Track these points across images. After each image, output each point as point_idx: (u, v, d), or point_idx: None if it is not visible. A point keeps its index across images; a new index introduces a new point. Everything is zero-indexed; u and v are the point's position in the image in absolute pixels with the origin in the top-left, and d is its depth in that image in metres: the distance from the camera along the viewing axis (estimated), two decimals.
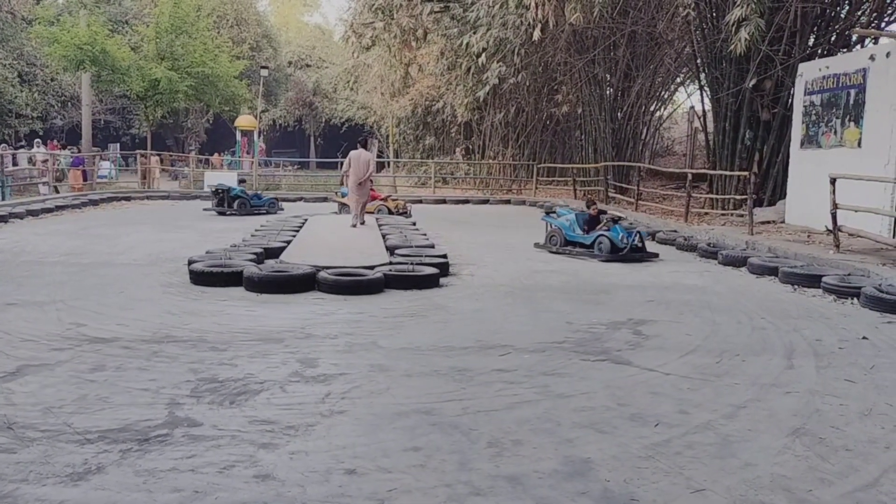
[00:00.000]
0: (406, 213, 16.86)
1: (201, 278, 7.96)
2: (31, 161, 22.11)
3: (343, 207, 17.00)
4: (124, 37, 27.51)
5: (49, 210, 15.93)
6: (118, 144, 37.30)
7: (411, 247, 10.36)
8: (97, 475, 3.25)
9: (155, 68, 23.22)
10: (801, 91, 13.58)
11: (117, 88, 26.02)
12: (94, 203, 18.60)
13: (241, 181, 20.07)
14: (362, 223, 13.25)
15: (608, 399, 4.45)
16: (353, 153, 13.36)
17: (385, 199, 17.36)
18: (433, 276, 8.29)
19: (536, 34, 18.35)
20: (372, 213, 16.26)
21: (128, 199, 20.69)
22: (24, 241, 11.24)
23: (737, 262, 10.11)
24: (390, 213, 16.52)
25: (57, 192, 19.47)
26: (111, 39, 23.33)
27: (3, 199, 17.22)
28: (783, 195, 14.48)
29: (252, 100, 32.00)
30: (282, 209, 18.10)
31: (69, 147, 26.82)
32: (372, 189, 17.52)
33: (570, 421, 4.06)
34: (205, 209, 17.50)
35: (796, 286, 8.57)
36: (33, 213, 15.13)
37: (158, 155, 25.44)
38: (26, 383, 4.50)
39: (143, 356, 5.14)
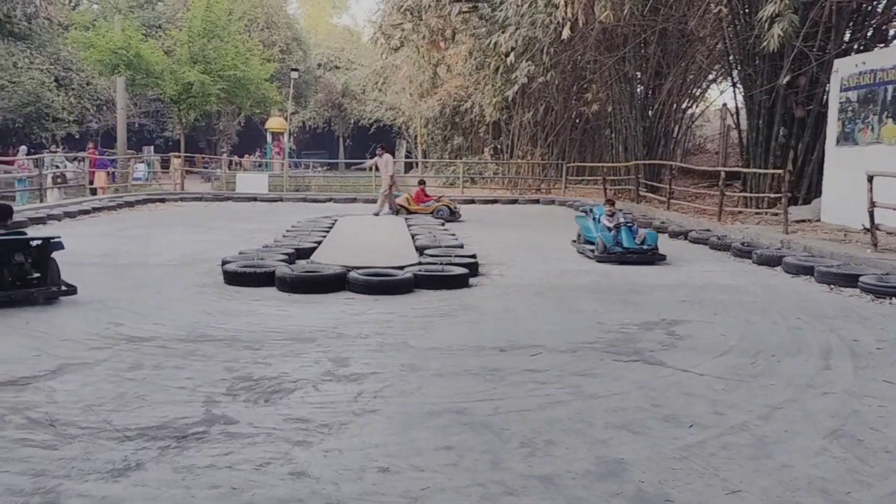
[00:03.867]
0: (457, 213, 16.89)
1: (235, 278, 8.06)
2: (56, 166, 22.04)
3: (399, 209, 17.06)
4: (158, 41, 27.89)
5: (86, 212, 16.22)
6: (152, 147, 37.86)
7: (440, 247, 10.39)
8: (137, 472, 3.32)
9: (188, 72, 23.52)
10: (837, 87, 13.35)
11: (151, 92, 26.45)
12: (130, 205, 18.92)
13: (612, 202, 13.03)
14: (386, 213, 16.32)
15: (641, 400, 4.43)
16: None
17: (439, 199, 17.38)
18: (463, 276, 8.30)
19: (566, 33, 18.24)
20: (431, 213, 16.44)
21: (162, 200, 21.00)
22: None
23: (771, 261, 9.96)
24: (451, 213, 16.59)
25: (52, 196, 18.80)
26: (145, 44, 23.66)
27: (22, 202, 17.53)
28: (818, 193, 14.25)
29: (282, 102, 32.29)
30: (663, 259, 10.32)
31: (63, 148, 26.78)
32: (423, 189, 17.59)
33: (602, 421, 4.04)
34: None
35: (833, 286, 8.42)
36: (70, 215, 15.42)
37: (185, 157, 25.70)
38: (67, 381, 4.60)
39: (179, 355, 5.22)
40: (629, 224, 10.43)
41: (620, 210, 11.04)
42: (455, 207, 16.97)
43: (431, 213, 16.55)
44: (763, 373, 5.04)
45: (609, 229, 10.39)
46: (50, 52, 31.76)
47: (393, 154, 43.89)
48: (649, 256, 10.06)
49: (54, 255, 7.32)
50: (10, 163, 22.27)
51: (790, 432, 3.94)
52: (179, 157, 25.77)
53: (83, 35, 23.49)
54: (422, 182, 18.68)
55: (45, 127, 31.10)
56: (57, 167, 19.22)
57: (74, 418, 3.96)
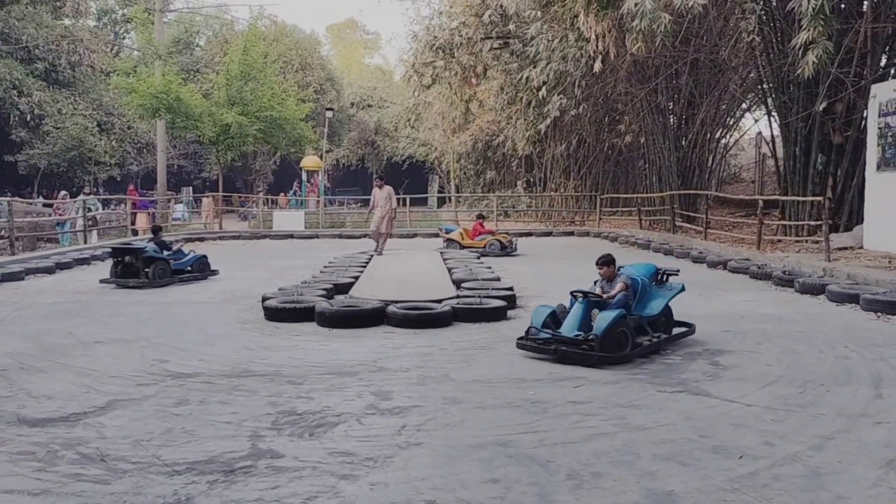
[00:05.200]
0: (513, 247, 16.64)
1: (275, 314, 8.15)
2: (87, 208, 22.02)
3: (450, 243, 17.02)
4: (196, 84, 28.66)
5: None
6: (191, 188, 38.69)
7: (477, 280, 10.41)
8: None
9: (226, 114, 24.07)
10: (875, 113, 13.18)
11: (190, 134, 27.05)
12: None
13: None
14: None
15: (689, 431, 4.36)
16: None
17: (494, 233, 17.25)
18: (501, 308, 8.29)
19: (597, 66, 18.36)
20: (483, 248, 16.35)
21: (201, 239, 21.37)
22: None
23: (815, 289, 9.79)
24: (503, 247, 16.36)
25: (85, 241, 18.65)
26: (184, 87, 24.30)
27: (63, 243, 17.88)
28: (860, 220, 14.00)
29: (317, 141, 32.83)
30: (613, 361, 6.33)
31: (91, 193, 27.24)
32: (481, 223, 17.59)
33: (649, 453, 3.99)
34: None
35: (880, 313, 8.24)
36: None
37: (222, 196, 26.23)
38: (116, 417, 4.68)
39: (224, 390, 5.29)
40: (598, 299, 6.56)
41: (622, 275, 6.93)
42: (509, 242, 16.66)
43: (483, 247, 16.39)
44: (812, 403, 4.93)
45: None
46: (93, 98, 32.81)
47: (426, 189, 44.47)
48: (582, 352, 6.02)
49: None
50: (52, 205, 22.95)
51: (844, 463, 3.84)
52: (209, 196, 26.28)
53: (125, 81, 24.22)
54: (480, 216, 18.63)
55: (87, 170, 31.99)
56: (89, 209, 19.64)
57: (124, 453, 4.03)
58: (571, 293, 6.69)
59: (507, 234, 17.65)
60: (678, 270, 6.95)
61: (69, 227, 19.95)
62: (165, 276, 11.49)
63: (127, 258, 11.36)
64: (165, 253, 11.86)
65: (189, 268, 12.16)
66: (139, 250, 11.39)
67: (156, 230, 13.02)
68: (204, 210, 26.48)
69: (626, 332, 6.16)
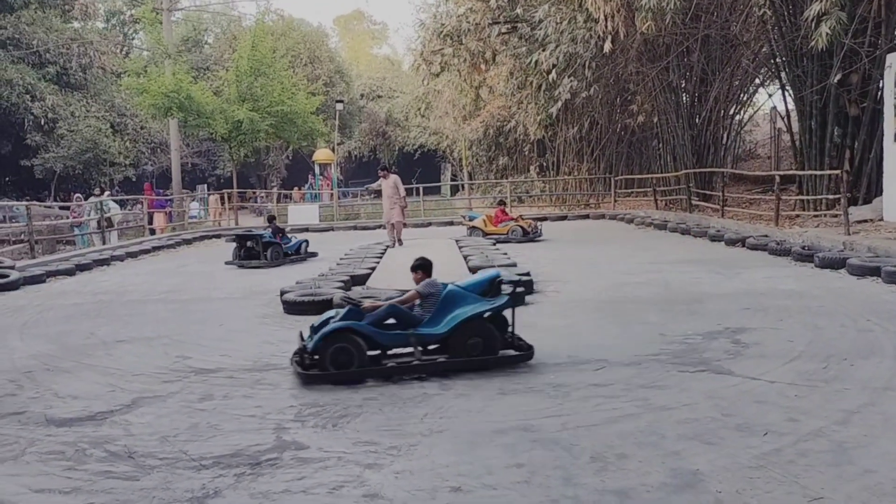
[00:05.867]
0: (537, 232, 16.43)
1: (294, 308, 8.19)
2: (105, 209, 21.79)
3: (473, 230, 16.90)
4: (207, 82, 28.68)
5: (147, 251, 16.73)
6: (205, 185, 38.89)
7: (494, 266, 10.38)
8: (215, 499, 3.39)
9: (237, 110, 24.09)
10: (892, 83, 12.97)
11: (202, 132, 27.13)
12: (188, 242, 19.42)
13: None
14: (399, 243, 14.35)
15: (712, 410, 4.34)
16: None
17: (517, 219, 16.97)
18: (519, 294, 8.26)
19: (607, 46, 18.19)
20: (506, 234, 16.24)
21: (218, 236, 21.47)
22: (126, 282, 11.83)
23: (835, 263, 9.70)
24: (525, 233, 16.13)
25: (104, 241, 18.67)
26: (195, 86, 24.31)
27: (81, 245, 18.01)
28: (879, 192, 13.82)
29: (328, 133, 32.81)
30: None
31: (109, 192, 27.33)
32: (503, 209, 17.40)
33: (674, 433, 3.98)
34: None
35: None
36: (132, 255, 15.91)
37: (237, 192, 26.36)
38: (142, 414, 4.74)
39: (247, 384, 5.33)
40: (357, 307, 5.78)
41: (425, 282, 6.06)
42: (532, 227, 16.39)
43: (506, 234, 16.22)
44: (836, 377, 4.90)
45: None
46: (105, 99, 32.96)
47: (438, 177, 44.41)
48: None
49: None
50: (69, 208, 23.13)
51: (870, 437, 3.82)
52: (215, 195, 26.43)
53: (136, 81, 24.30)
54: (501, 202, 18.50)
55: (102, 172, 32.17)
56: (103, 211, 19.75)
57: (152, 449, 4.07)
58: (342, 299, 6.53)
59: (529, 219, 17.44)
60: (522, 278, 5.92)
61: (85, 229, 20.10)
62: (279, 258, 13.34)
63: (249, 243, 13.34)
64: (283, 239, 13.84)
65: (296, 250, 14.02)
66: (259, 236, 13.37)
67: (271, 218, 15.19)
68: (211, 208, 26.65)
69: (348, 348, 5.32)
